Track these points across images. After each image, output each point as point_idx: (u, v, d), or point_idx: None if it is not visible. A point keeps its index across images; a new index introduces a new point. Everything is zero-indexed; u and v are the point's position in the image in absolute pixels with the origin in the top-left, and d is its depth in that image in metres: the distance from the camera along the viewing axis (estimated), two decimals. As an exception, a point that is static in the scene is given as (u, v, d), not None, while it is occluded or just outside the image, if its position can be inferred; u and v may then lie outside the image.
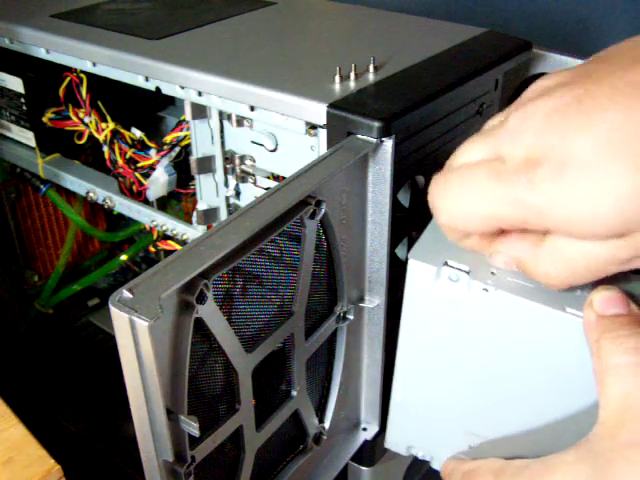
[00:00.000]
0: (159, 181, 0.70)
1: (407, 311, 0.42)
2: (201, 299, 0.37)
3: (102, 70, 0.64)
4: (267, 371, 0.47)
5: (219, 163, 0.62)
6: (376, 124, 0.47)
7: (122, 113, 0.73)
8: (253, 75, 0.55)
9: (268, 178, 0.60)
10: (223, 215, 0.65)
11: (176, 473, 0.40)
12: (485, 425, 0.42)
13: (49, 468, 0.49)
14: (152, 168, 0.70)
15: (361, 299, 0.54)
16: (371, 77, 0.54)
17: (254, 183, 0.61)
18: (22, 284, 0.98)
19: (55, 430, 0.91)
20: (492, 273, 0.38)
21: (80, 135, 0.76)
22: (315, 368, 0.53)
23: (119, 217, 1.01)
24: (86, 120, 0.73)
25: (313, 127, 0.52)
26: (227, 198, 0.63)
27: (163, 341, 0.36)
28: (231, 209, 0.64)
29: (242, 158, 0.60)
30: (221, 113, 0.59)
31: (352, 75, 0.53)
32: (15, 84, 0.77)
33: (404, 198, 0.56)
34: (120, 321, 0.33)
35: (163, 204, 0.76)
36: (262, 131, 0.57)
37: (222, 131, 0.60)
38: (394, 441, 0.47)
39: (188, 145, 0.66)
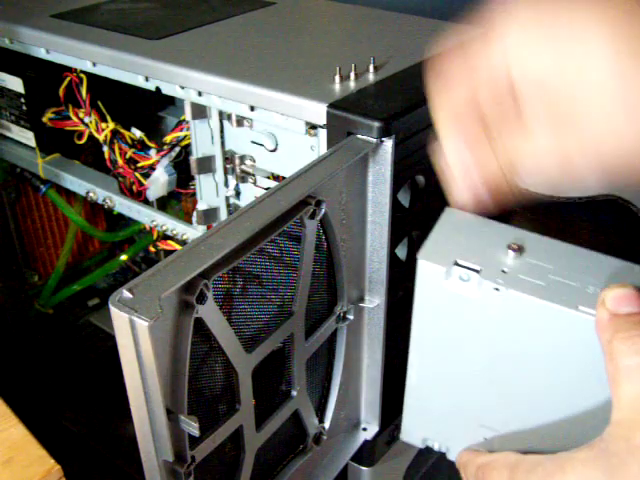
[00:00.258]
0: (159, 181, 0.69)
1: (418, 310, 0.42)
2: (201, 299, 0.37)
3: (102, 70, 0.64)
4: (267, 371, 0.47)
5: (219, 163, 0.62)
6: (376, 124, 0.47)
7: (122, 113, 0.73)
8: (253, 75, 0.55)
9: (268, 178, 0.60)
10: (223, 215, 0.65)
11: (176, 473, 0.40)
12: (499, 419, 0.42)
13: (49, 468, 0.49)
14: (152, 168, 0.70)
15: (361, 299, 0.54)
16: (371, 77, 0.54)
17: (254, 183, 0.61)
18: (22, 284, 0.98)
19: (55, 430, 0.91)
20: (503, 271, 0.38)
21: (80, 135, 0.76)
22: (315, 368, 0.53)
23: (119, 217, 1.01)
24: (86, 120, 0.73)
25: (313, 127, 0.52)
26: (227, 198, 0.63)
27: (163, 341, 0.36)
28: (231, 209, 0.64)
29: (242, 158, 0.60)
30: (221, 113, 0.59)
31: (352, 75, 0.53)
32: (15, 84, 0.77)
33: (404, 198, 0.56)
34: (120, 321, 0.33)
35: (163, 204, 0.76)
36: (262, 131, 0.57)
37: (222, 131, 0.60)
38: (410, 433, 0.47)
39: (188, 145, 0.66)
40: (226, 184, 0.63)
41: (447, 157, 0.38)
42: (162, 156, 0.69)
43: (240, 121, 0.57)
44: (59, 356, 1.02)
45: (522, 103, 0.34)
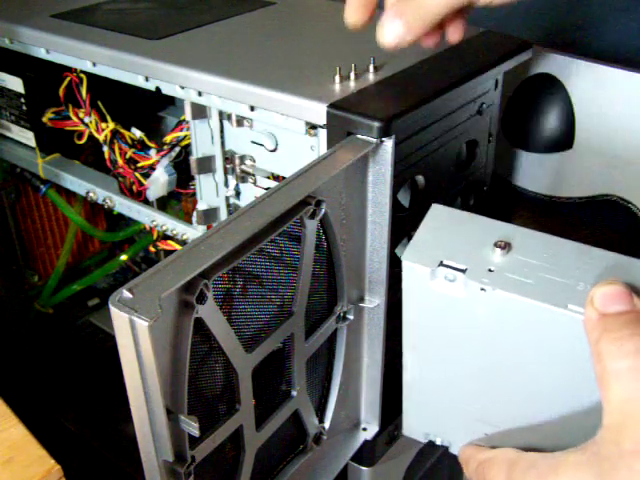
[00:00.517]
0: (159, 181, 0.69)
1: (407, 311, 0.42)
2: (201, 299, 0.37)
3: (102, 70, 0.64)
4: (267, 371, 0.47)
5: (219, 163, 0.62)
6: (376, 124, 0.47)
7: (122, 113, 0.73)
8: (253, 75, 0.55)
9: (268, 178, 0.60)
10: (223, 215, 0.65)
11: (176, 473, 0.40)
12: (497, 415, 0.42)
13: (49, 468, 0.49)
14: (152, 168, 0.70)
15: (361, 299, 0.54)
16: (371, 77, 0.54)
17: (254, 183, 0.61)
18: (22, 284, 0.98)
19: (55, 430, 0.91)
20: (490, 270, 0.37)
21: (80, 135, 0.76)
22: (315, 368, 0.53)
23: (119, 217, 1.01)
24: (86, 120, 0.73)
25: (313, 127, 0.52)
26: (227, 198, 0.63)
27: (163, 341, 0.36)
28: (231, 209, 0.64)
29: (242, 158, 0.60)
30: (221, 113, 0.59)
31: (352, 75, 0.53)
32: (15, 84, 0.77)
33: (404, 198, 0.56)
34: (120, 321, 0.33)
35: (163, 204, 0.76)
36: (262, 131, 0.57)
37: (222, 131, 0.60)
38: (411, 429, 0.47)
39: (188, 145, 0.66)
40: (226, 184, 0.63)
41: None
42: (162, 156, 0.69)
43: (240, 121, 0.57)
44: (59, 356, 1.02)
45: None
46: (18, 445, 0.51)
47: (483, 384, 0.41)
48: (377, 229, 0.51)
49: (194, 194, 0.68)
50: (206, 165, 0.62)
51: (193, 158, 0.62)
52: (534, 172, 0.72)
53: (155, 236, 0.76)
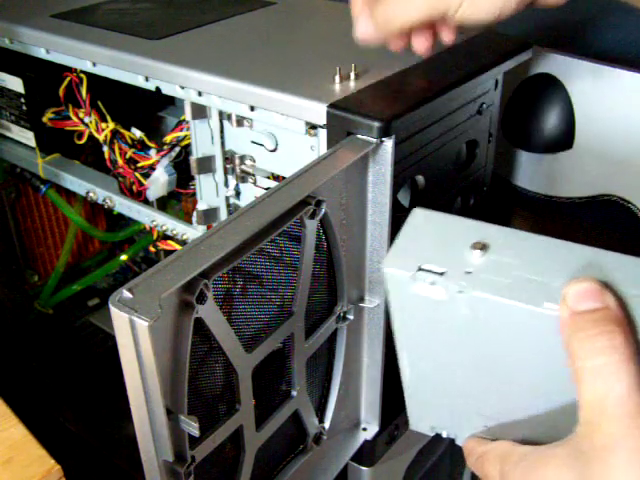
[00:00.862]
0: (159, 181, 0.69)
1: (393, 315, 0.42)
2: (201, 299, 0.37)
3: (102, 70, 0.64)
4: (267, 371, 0.47)
5: (219, 163, 0.62)
6: (376, 124, 0.47)
7: (122, 113, 0.73)
8: (253, 75, 0.55)
9: (268, 178, 0.60)
10: (223, 215, 0.65)
11: (176, 473, 0.40)
12: (491, 409, 0.42)
13: (49, 468, 0.49)
14: (152, 168, 0.70)
15: (361, 299, 0.54)
16: (371, 77, 0.54)
17: (254, 183, 0.61)
18: (22, 284, 0.98)
19: (55, 430, 0.91)
20: (467, 272, 0.37)
21: (80, 135, 0.76)
22: (315, 368, 0.53)
23: (119, 217, 1.01)
24: (86, 120, 0.73)
25: (313, 127, 0.52)
26: (227, 198, 0.63)
27: (163, 341, 0.36)
28: (231, 209, 0.64)
29: (242, 158, 0.60)
30: (221, 113, 0.59)
31: (352, 75, 0.53)
32: (15, 84, 0.77)
33: (404, 198, 0.56)
34: (120, 321, 0.33)
35: (163, 204, 0.76)
36: (262, 131, 0.57)
37: (222, 131, 0.60)
38: (417, 423, 0.47)
39: (188, 145, 0.66)
40: (226, 184, 0.63)
41: None
42: (162, 156, 0.69)
43: (240, 121, 0.57)
44: (59, 356, 1.02)
45: None
46: (18, 445, 0.51)
47: (475, 380, 0.41)
48: (377, 229, 0.51)
49: (194, 194, 0.68)
50: (206, 165, 0.62)
51: (193, 158, 0.62)
52: (534, 172, 0.72)
53: (155, 236, 0.76)
